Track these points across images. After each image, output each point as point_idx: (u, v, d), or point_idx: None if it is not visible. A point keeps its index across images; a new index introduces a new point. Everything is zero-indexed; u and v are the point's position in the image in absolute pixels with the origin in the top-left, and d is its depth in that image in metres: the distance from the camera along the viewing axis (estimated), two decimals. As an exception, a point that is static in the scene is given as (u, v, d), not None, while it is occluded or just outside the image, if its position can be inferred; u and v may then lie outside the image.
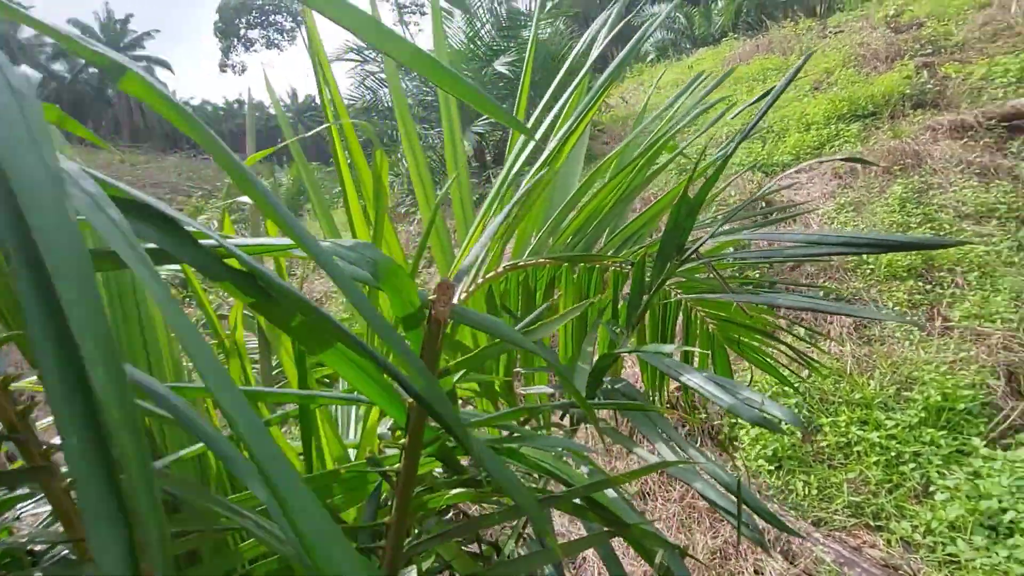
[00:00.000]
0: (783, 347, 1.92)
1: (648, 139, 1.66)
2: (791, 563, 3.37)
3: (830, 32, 12.52)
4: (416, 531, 0.92)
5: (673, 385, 4.58)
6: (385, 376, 0.70)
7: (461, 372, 0.79)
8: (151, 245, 0.54)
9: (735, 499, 1.04)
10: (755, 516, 1.12)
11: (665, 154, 1.77)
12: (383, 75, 11.87)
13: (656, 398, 2.56)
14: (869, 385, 4.38)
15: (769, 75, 11.49)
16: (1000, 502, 3.17)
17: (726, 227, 1.96)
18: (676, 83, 13.77)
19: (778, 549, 3.46)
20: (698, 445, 4.58)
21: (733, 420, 4.57)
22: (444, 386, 0.75)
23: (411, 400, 0.71)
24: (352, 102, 12.44)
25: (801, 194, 7.11)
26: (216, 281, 0.54)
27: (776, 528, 1.10)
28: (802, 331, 4.85)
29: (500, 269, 1.60)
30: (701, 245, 1.51)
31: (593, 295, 1.88)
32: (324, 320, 0.56)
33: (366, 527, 0.78)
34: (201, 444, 0.83)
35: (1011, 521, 3.07)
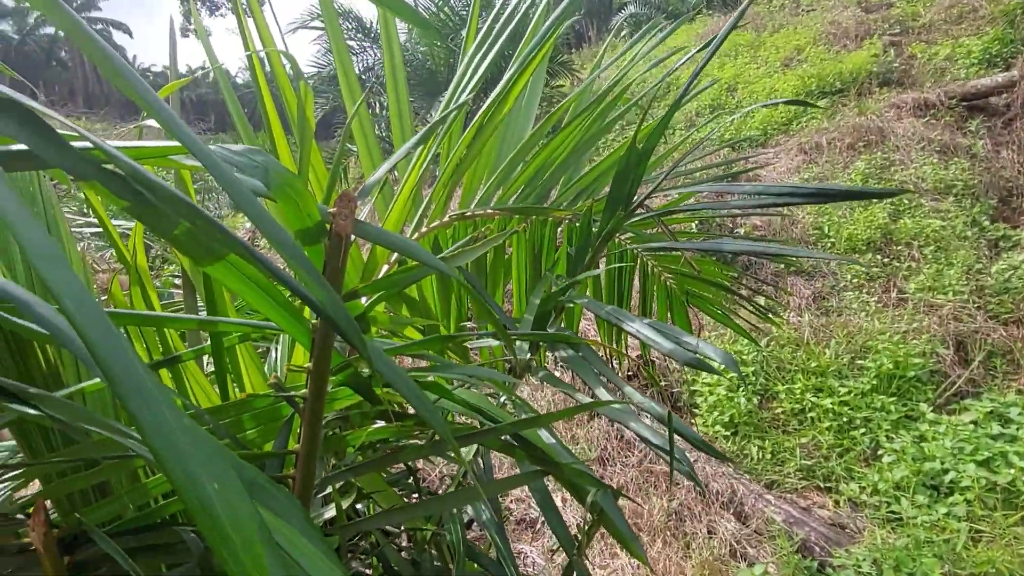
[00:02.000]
0: (742, 305, 1.93)
1: (604, 87, 1.63)
2: (743, 523, 3.44)
3: (803, 10, 12.54)
4: (336, 465, 0.89)
5: (635, 353, 4.62)
6: (286, 296, 0.67)
7: (374, 298, 0.76)
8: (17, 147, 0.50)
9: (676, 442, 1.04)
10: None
11: (621, 105, 1.74)
12: (350, 41, 11.59)
13: (614, 362, 2.56)
14: (825, 354, 4.47)
15: (741, 51, 11.49)
16: (942, 463, 3.27)
17: (677, 183, 1.95)
18: (649, 58, 13.69)
19: (731, 511, 3.53)
20: (658, 412, 4.63)
21: (692, 388, 4.63)
22: (354, 309, 0.72)
23: (315, 321, 0.68)
24: (318, 69, 12.16)
25: (767, 169, 7.16)
26: (84, 180, 0.50)
27: (706, 453, 1.09)
28: (762, 300, 4.92)
29: (446, 219, 1.56)
30: (647, 196, 1.49)
31: (546, 249, 1.85)
32: (212, 226, 0.53)
33: (273, 455, 0.75)
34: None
35: (951, 481, 3.17)
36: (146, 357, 0.98)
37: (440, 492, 1.29)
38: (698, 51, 1.28)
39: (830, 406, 4.01)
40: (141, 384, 0.35)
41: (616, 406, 1.09)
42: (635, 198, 1.44)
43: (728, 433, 4.15)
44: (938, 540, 2.95)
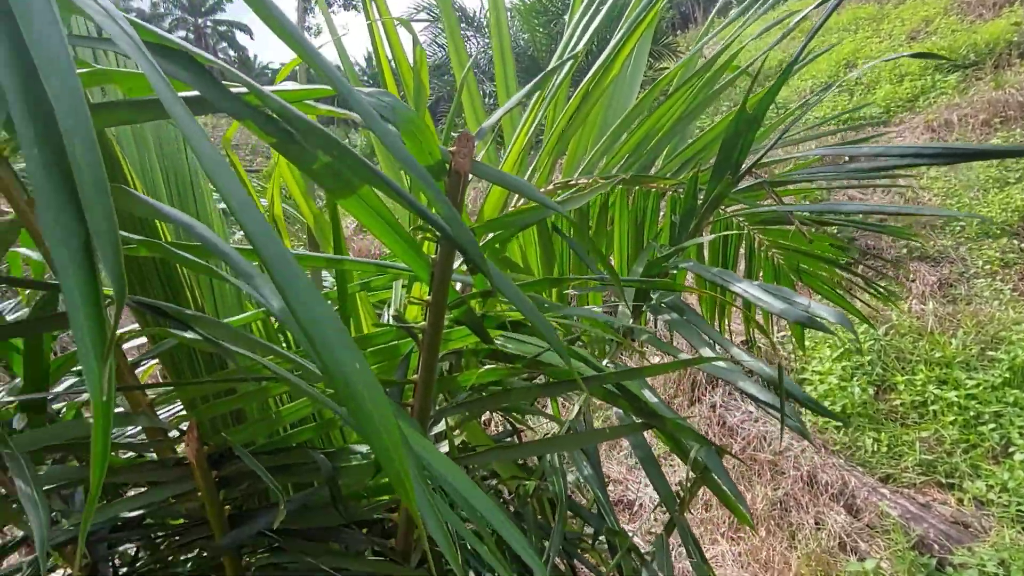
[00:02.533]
0: (858, 286, 1.84)
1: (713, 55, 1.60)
2: (854, 517, 3.29)
3: (932, -23, 11.57)
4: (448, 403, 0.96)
5: (738, 339, 4.49)
6: (409, 232, 0.73)
7: (490, 237, 0.81)
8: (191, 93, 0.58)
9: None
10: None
11: (729, 74, 1.71)
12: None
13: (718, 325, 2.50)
14: (951, 344, 4.16)
15: (862, 24, 10.75)
16: (1085, 464, 2.98)
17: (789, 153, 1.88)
18: (763, 24, 13.06)
19: (841, 503, 3.38)
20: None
21: (801, 376, 4.44)
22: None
23: (434, 256, 0.73)
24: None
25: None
26: (239, 119, 0.57)
27: (817, 412, 1.07)
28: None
29: (550, 187, 1.60)
30: (756, 163, 1.46)
31: (649, 221, 1.85)
32: (348, 155, 0.59)
33: (395, 383, 0.82)
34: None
35: (1097, 483, 2.89)
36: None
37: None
38: (815, 6, 1.24)
39: (955, 399, 3.73)
40: (314, 307, 0.42)
41: (722, 364, 1.09)
42: (743, 167, 1.42)
43: (839, 424, 3.95)
44: (1080, 546, 2.70)
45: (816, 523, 3.34)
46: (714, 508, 3.74)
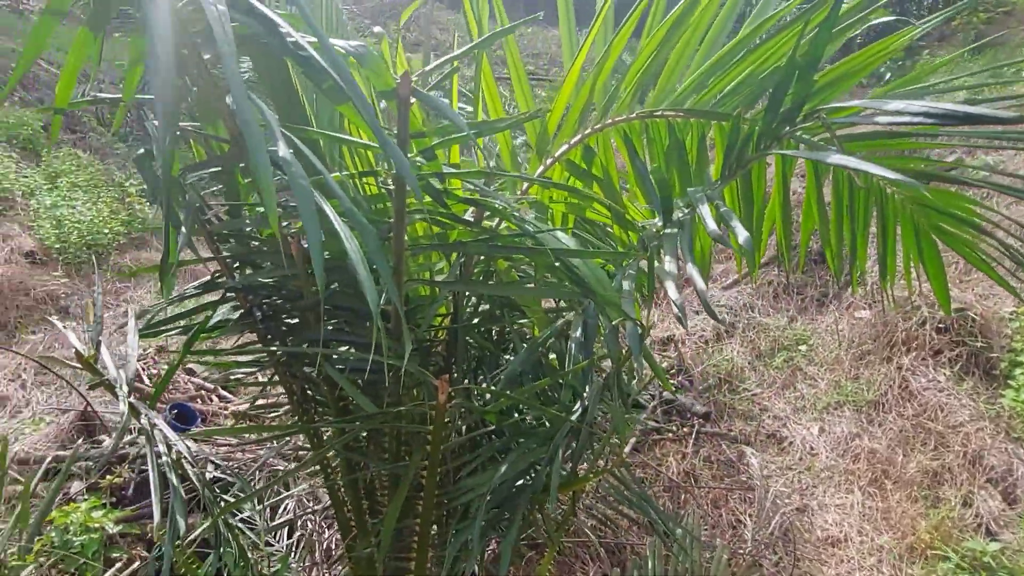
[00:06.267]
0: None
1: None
2: (1009, 504, 3.03)
3: None
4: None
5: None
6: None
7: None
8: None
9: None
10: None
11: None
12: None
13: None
14: None
15: None
16: None
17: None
18: None
19: (998, 488, 3.12)
20: (964, 373, 4.05)
21: (1017, 357, 3.92)
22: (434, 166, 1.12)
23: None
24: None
25: None
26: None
27: None
28: None
29: (633, 115, 1.77)
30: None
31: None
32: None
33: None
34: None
35: None
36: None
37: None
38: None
39: None
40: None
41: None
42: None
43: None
44: None
45: (964, 502, 3.14)
46: (861, 460, 3.66)
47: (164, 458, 1.30)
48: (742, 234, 1.26)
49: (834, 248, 1.89)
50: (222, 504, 1.60)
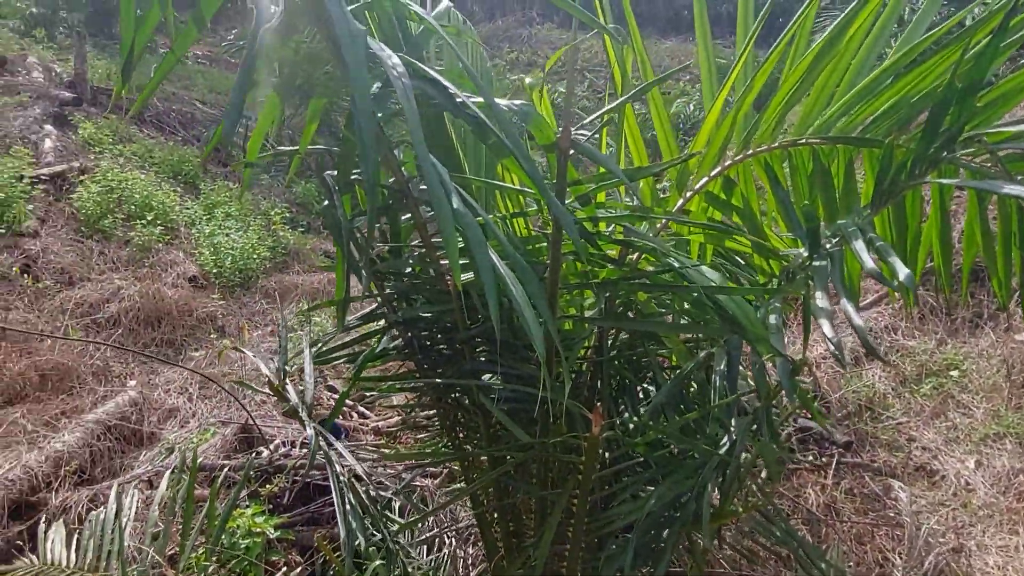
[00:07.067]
0: None
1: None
2: None
3: None
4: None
5: None
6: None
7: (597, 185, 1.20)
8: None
9: None
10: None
11: None
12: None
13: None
14: None
15: None
16: None
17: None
18: None
19: None
20: None
21: None
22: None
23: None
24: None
25: None
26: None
27: None
28: None
29: (775, 144, 1.75)
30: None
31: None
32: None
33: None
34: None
35: None
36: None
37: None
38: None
39: None
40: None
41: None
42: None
43: None
44: None
45: None
46: (1026, 499, 3.34)
47: (343, 478, 1.45)
48: (903, 271, 1.22)
49: (1002, 277, 1.76)
50: (386, 521, 1.74)
